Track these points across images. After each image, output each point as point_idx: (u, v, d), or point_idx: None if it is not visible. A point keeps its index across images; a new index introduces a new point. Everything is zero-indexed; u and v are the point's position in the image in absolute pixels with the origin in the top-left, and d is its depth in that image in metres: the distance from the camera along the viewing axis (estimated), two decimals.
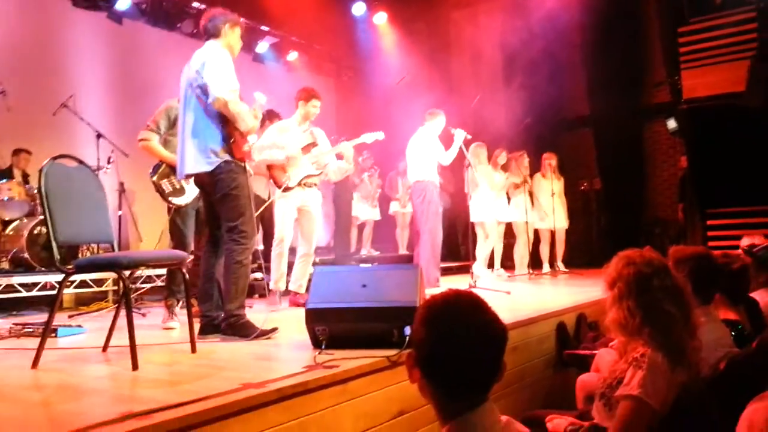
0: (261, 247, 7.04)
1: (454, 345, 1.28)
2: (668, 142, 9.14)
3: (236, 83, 3.34)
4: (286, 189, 4.84)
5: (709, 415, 1.89)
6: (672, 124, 7.98)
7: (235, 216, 3.35)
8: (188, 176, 3.48)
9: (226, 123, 3.34)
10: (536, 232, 7.80)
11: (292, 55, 9.92)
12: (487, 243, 7.17)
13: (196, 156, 3.34)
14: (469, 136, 6.01)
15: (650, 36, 9.03)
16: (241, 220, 3.35)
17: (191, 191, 4.16)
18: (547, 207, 7.52)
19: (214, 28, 3.49)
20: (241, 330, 3.29)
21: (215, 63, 3.31)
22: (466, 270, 7.56)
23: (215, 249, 3.53)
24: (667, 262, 2.13)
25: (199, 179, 3.50)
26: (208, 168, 3.33)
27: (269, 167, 4.93)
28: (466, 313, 1.30)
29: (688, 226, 7.37)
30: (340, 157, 5.22)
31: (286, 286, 4.98)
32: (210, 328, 3.42)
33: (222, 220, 3.43)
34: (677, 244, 2.73)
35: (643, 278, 2.00)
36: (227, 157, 3.33)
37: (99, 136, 6.06)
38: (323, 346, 2.75)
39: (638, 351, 1.94)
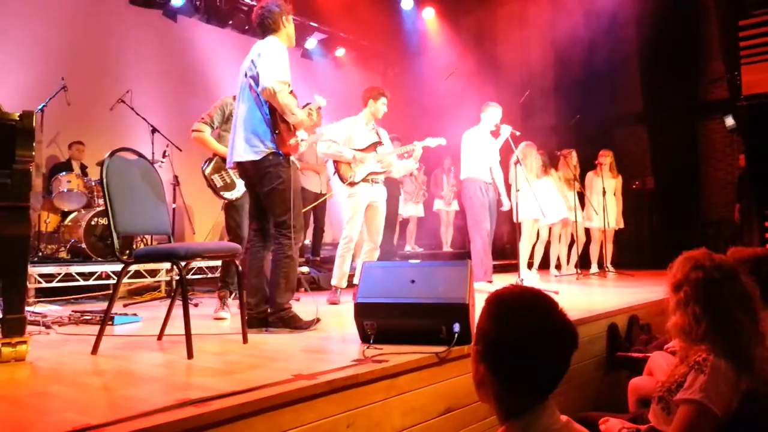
0: (308, 241, 7.15)
1: (527, 341, 1.25)
2: (724, 140, 8.82)
3: (288, 76, 3.37)
4: (351, 184, 4.87)
5: None
6: (730, 121, 7.72)
7: (282, 211, 3.38)
8: (236, 164, 3.49)
9: (274, 114, 3.36)
10: (587, 231, 7.65)
11: (340, 51, 9.97)
12: (523, 243, 6.92)
13: (244, 144, 3.38)
14: (517, 133, 5.92)
15: (707, 30, 8.74)
16: (290, 214, 3.36)
17: (242, 185, 4.21)
18: (598, 206, 7.34)
19: (275, 24, 3.51)
20: (291, 322, 3.37)
21: (270, 54, 3.35)
22: (510, 269, 7.46)
23: (264, 242, 3.53)
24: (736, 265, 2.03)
25: (245, 169, 3.48)
26: (255, 157, 3.35)
27: (336, 162, 4.94)
28: (538, 309, 1.28)
29: (744, 227, 7.09)
30: (401, 156, 5.29)
31: (349, 283, 5.05)
32: (257, 321, 3.43)
33: (270, 214, 3.46)
34: (733, 246, 2.61)
35: (713, 284, 1.87)
36: (274, 149, 3.35)
37: (154, 130, 6.23)
38: (371, 341, 2.76)
39: (700, 356, 1.86)
